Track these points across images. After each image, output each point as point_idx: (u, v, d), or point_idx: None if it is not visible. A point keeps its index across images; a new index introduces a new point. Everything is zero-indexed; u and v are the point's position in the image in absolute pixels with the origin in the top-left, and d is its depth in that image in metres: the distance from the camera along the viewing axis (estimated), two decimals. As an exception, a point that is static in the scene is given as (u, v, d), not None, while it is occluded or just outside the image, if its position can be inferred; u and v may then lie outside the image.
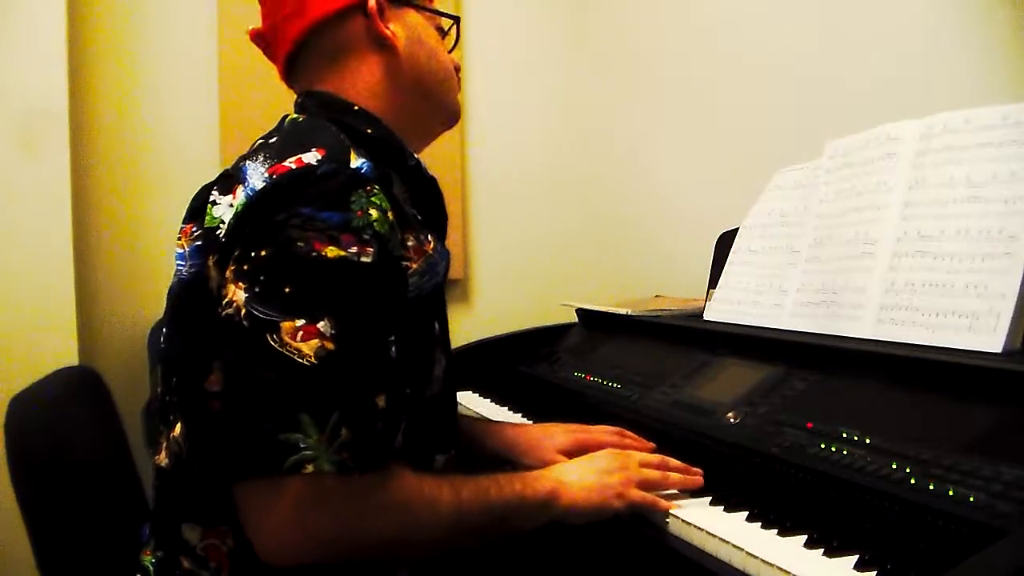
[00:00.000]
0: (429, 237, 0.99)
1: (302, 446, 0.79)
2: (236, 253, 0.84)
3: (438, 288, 1.01)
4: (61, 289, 1.91)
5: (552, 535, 1.15)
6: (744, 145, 1.89)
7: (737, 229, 1.48)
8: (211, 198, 0.93)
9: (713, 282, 1.51)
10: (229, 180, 0.93)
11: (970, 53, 1.44)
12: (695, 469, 1.03)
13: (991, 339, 0.96)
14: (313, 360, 0.80)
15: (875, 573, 0.74)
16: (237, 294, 0.83)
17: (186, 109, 2.10)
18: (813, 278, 1.26)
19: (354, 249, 0.83)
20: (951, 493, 0.78)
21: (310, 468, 0.79)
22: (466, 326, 2.05)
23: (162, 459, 0.94)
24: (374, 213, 0.85)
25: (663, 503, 0.96)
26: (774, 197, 1.43)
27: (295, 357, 0.80)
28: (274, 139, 0.96)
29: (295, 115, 1.02)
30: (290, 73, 1.08)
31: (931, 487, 0.80)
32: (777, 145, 1.71)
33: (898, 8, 1.57)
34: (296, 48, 1.05)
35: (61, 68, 1.90)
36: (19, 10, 1.88)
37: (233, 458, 0.83)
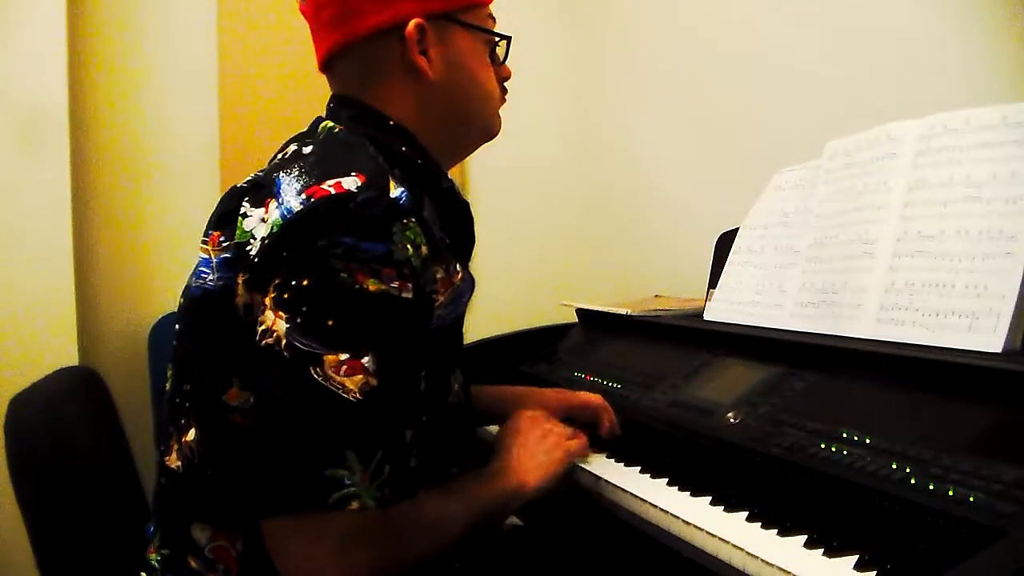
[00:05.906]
0: (457, 268, 0.99)
1: (347, 482, 0.78)
2: (276, 281, 0.83)
3: (460, 318, 1.01)
4: (61, 289, 1.91)
5: (551, 537, 1.15)
6: (744, 145, 1.89)
7: (737, 229, 1.48)
8: (242, 209, 0.91)
9: (713, 282, 1.51)
10: (261, 191, 0.91)
11: (970, 53, 1.44)
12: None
13: (991, 339, 0.96)
14: (358, 396, 0.79)
15: (875, 573, 0.74)
16: (278, 324, 0.81)
17: (186, 109, 2.10)
18: (813, 278, 1.26)
19: (395, 284, 0.82)
20: (951, 493, 0.78)
21: (355, 504, 0.79)
22: (466, 326, 2.05)
23: (173, 461, 0.93)
24: (410, 248, 0.85)
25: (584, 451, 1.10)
26: (774, 197, 1.43)
27: (340, 392, 0.79)
28: (309, 150, 0.95)
29: (330, 123, 1.00)
30: (326, 70, 1.06)
31: (931, 487, 0.80)
32: (777, 145, 1.70)
33: (899, 8, 1.57)
34: (331, 56, 1.03)
35: (61, 68, 1.90)
36: (19, 10, 1.88)
37: (269, 491, 0.81)
